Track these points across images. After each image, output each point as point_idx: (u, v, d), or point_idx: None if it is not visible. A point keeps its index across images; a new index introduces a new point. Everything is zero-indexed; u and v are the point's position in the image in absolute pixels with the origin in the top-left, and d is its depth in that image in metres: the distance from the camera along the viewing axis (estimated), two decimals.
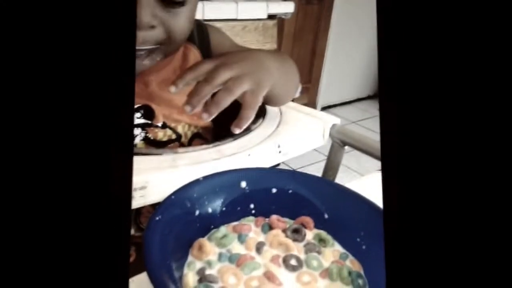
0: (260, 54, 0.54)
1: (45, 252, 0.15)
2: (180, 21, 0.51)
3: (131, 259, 0.53)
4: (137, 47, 0.49)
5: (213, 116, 0.46)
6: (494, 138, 0.13)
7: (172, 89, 0.46)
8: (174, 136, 0.60)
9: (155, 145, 0.58)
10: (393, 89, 0.14)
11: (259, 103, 0.49)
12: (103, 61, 0.14)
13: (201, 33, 0.64)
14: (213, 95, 0.47)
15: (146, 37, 0.49)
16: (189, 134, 0.62)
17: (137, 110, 0.57)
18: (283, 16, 1.73)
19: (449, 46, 0.13)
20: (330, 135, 0.65)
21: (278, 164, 0.62)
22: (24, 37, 0.13)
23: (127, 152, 0.15)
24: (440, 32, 0.13)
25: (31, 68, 0.13)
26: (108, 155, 0.15)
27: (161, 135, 0.59)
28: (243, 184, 0.43)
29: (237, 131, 0.47)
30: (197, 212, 0.39)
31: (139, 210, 0.55)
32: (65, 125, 0.14)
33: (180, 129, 0.60)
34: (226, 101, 0.46)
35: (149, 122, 0.58)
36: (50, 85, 0.14)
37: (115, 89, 0.14)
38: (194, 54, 0.62)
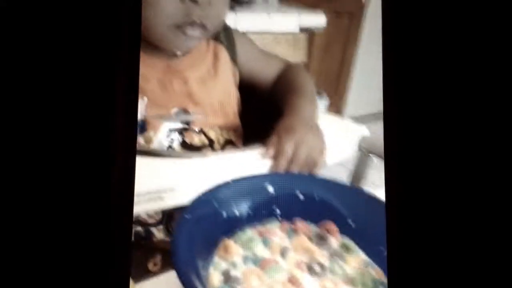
0: (308, 115, 0.58)
1: (48, 249, 0.15)
2: (219, 2, 0.54)
3: (156, 268, 0.53)
4: (179, 19, 0.52)
5: None
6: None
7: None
8: (206, 142, 0.60)
9: (191, 150, 0.59)
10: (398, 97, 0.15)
11: None
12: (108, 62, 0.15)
13: (227, 37, 0.66)
14: None
15: (188, 10, 0.51)
16: (222, 140, 0.62)
17: (176, 114, 0.58)
18: (314, 30, 1.72)
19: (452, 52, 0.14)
20: (359, 146, 0.65)
21: None
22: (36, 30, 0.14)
23: (130, 151, 0.16)
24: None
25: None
26: (111, 153, 0.15)
27: (196, 140, 0.60)
28: (270, 188, 0.43)
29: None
30: (224, 213, 0.40)
31: (171, 215, 0.56)
32: (70, 122, 0.15)
33: (212, 135, 0.61)
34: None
35: (187, 126, 0.59)
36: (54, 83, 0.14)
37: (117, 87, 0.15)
38: (224, 55, 0.64)
